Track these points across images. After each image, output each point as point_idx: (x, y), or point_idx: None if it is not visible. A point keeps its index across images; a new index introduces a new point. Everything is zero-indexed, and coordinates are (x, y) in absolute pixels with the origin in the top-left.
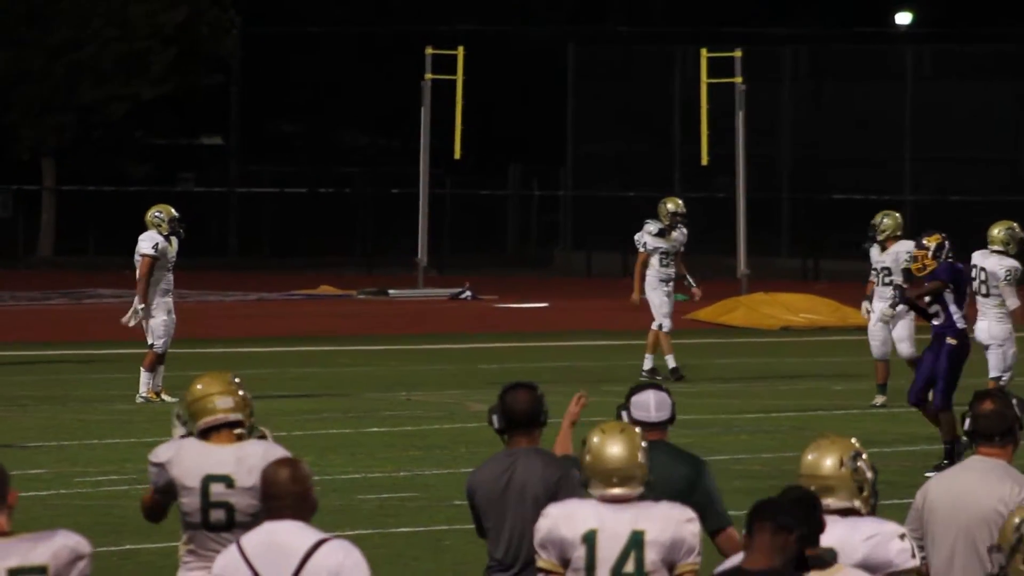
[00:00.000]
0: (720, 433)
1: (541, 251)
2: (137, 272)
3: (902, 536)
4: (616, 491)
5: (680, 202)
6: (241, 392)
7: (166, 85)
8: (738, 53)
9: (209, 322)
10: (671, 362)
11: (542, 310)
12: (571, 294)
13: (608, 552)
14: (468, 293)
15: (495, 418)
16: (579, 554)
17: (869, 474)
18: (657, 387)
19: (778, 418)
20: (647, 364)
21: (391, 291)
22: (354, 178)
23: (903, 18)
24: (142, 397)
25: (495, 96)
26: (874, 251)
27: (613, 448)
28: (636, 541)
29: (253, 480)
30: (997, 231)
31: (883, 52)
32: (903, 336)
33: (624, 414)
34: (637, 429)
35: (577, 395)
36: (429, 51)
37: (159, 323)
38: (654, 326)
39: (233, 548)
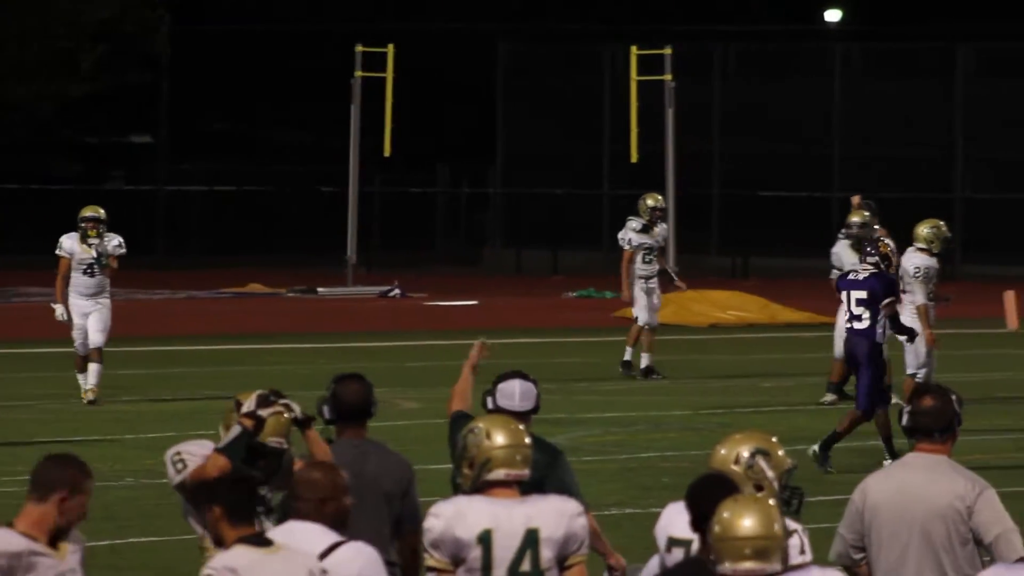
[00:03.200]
0: (648, 430)
1: (471, 249)
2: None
3: (791, 532)
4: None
5: (659, 197)
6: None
7: (95, 83)
8: (668, 51)
9: (138, 320)
10: (645, 360)
11: (471, 308)
12: (501, 292)
13: (504, 552)
14: (397, 291)
15: (325, 409)
16: (475, 554)
17: (769, 472)
18: (524, 376)
19: (706, 415)
20: (626, 355)
21: (320, 289)
22: (283, 176)
23: (832, 15)
24: (88, 392)
25: (425, 94)
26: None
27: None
28: (531, 539)
29: None
30: (922, 229)
31: (813, 49)
32: None
33: (489, 400)
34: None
35: (479, 342)
36: (359, 49)
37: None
38: (639, 322)
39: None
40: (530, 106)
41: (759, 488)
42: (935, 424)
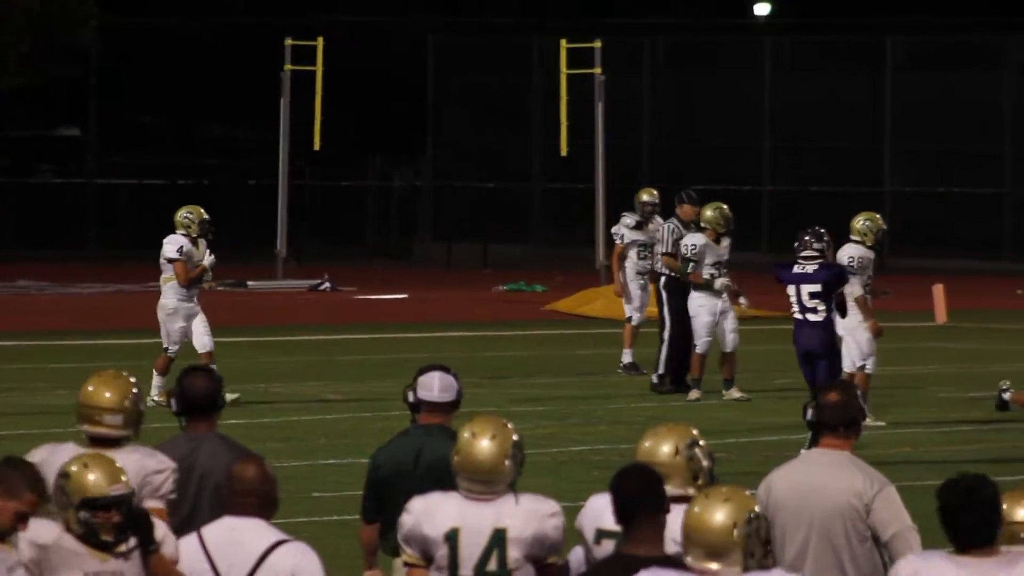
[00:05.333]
0: (579, 424)
1: (401, 242)
2: (166, 276)
3: None
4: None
5: (655, 192)
6: (134, 404)
7: (22, 77)
8: (598, 44)
9: (68, 314)
10: (627, 357)
11: (401, 301)
12: (431, 285)
13: (470, 551)
14: (327, 284)
15: (173, 401)
16: (442, 552)
17: (705, 462)
18: (445, 369)
19: (636, 408)
20: (627, 358)
21: (250, 283)
22: (213, 169)
23: (762, 9)
24: (154, 400)
25: (355, 87)
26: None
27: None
28: (498, 539)
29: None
30: (857, 222)
31: (743, 43)
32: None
33: (410, 393)
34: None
35: None
36: (288, 42)
37: (176, 329)
38: (632, 322)
39: (193, 537)
40: (460, 99)
41: (695, 478)
42: (840, 419)
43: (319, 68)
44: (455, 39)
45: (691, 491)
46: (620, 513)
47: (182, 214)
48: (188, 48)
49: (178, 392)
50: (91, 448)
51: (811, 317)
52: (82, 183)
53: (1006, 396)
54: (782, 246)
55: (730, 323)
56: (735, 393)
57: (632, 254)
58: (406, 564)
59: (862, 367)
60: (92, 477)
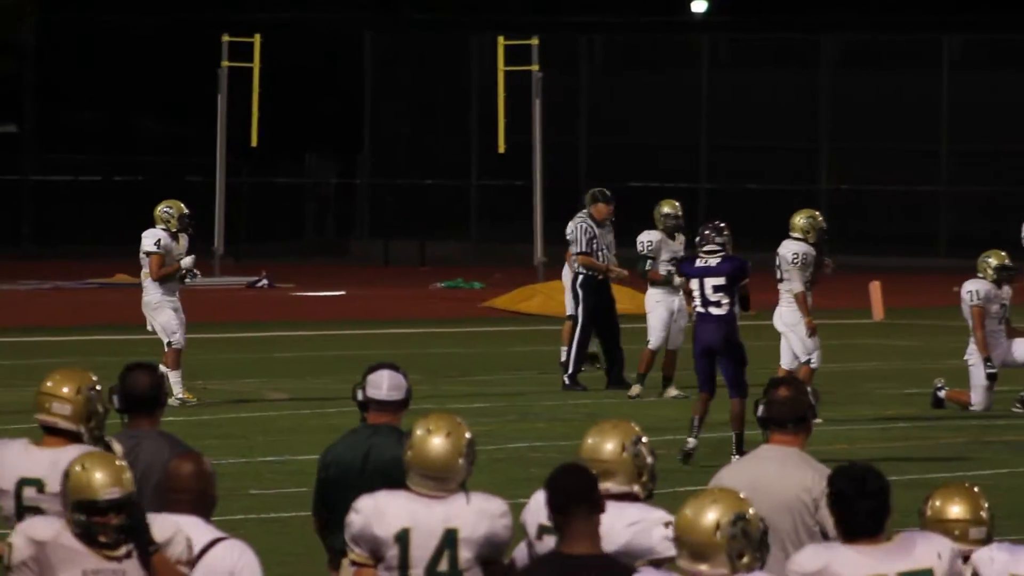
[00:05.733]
0: (516, 421)
1: (338, 239)
2: (147, 272)
3: (667, 524)
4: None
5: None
6: (87, 400)
7: None
8: (535, 41)
9: (3, 311)
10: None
11: (339, 298)
12: (368, 282)
13: (421, 551)
14: (265, 281)
15: (115, 398)
16: (392, 553)
17: (649, 459)
18: (394, 367)
19: (573, 405)
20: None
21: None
22: (150, 166)
23: (699, 6)
24: (178, 399)
25: (292, 84)
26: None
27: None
28: (450, 539)
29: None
30: (798, 219)
31: (680, 40)
32: None
33: (359, 392)
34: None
35: None
36: (225, 39)
37: (168, 319)
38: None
39: None
40: (397, 96)
41: (640, 475)
42: (789, 415)
43: (256, 65)
44: (392, 36)
45: (636, 488)
46: (555, 511)
47: (161, 208)
48: (125, 44)
49: (120, 389)
50: (45, 442)
51: (713, 311)
52: (17, 180)
53: (941, 394)
54: None
55: (681, 323)
56: (673, 391)
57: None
58: (354, 564)
59: (807, 362)
60: (89, 479)
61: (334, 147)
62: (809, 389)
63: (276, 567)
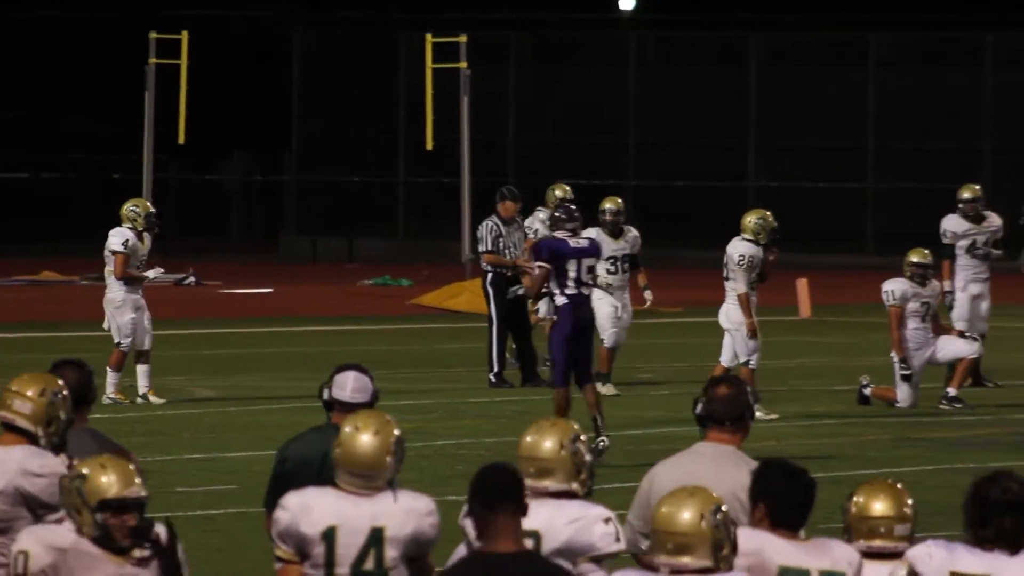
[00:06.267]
0: (444, 418)
1: (266, 237)
2: (111, 269)
3: (607, 520)
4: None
5: (567, 188)
6: (50, 404)
7: None
8: (463, 38)
9: None
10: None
11: (267, 295)
12: (296, 279)
13: (347, 550)
14: (192, 279)
15: None
16: (318, 551)
17: (587, 457)
18: (361, 369)
19: (501, 403)
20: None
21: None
22: (77, 164)
23: (627, 4)
24: (109, 398)
25: (221, 81)
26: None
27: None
28: (376, 538)
29: (2, 484)
30: (749, 219)
31: (608, 38)
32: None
33: (325, 391)
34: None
35: None
36: (153, 35)
37: (127, 321)
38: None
39: (68, 526)
40: (325, 93)
41: (579, 472)
42: (727, 413)
43: (184, 62)
44: (321, 32)
45: (574, 486)
46: (481, 509)
47: (128, 207)
48: (51, 41)
49: None
50: (5, 437)
51: (584, 291)
52: None
53: (867, 391)
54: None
55: (623, 321)
56: (607, 387)
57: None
58: (280, 560)
59: (746, 363)
60: (108, 479)
61: (262, 144)
62: (749, 389)
63: (203, 564)
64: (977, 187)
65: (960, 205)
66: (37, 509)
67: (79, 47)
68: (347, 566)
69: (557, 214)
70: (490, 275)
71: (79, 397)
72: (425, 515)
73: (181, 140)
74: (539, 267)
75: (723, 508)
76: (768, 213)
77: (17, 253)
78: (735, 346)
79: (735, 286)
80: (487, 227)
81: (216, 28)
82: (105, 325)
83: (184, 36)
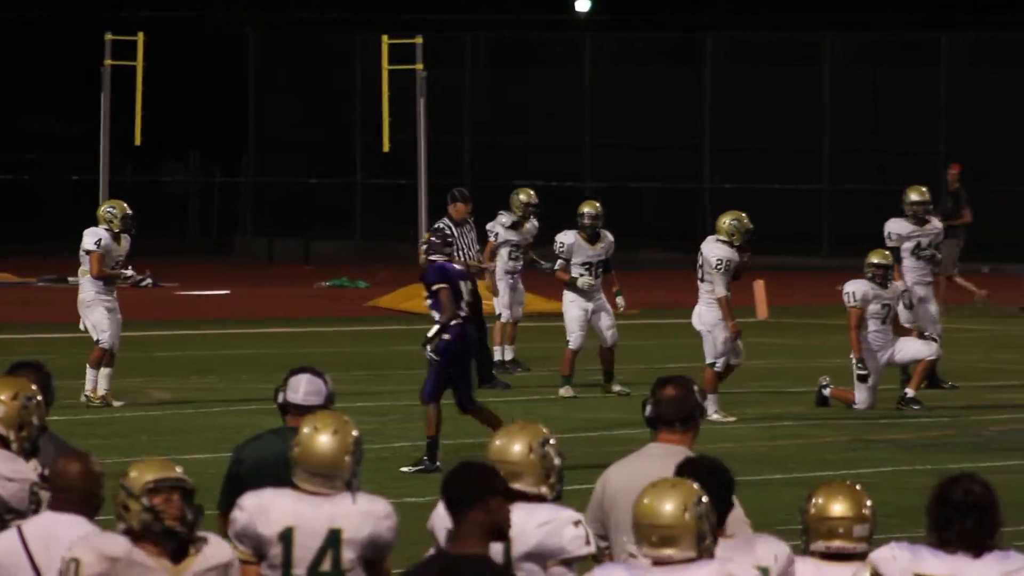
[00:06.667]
0: (400, 420)
1: (223, 238)
2: (84, 269)
3: (576, 523)
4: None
5: (532, 193)
6: (22, 408)
7: None
8: (419, 40)
9: None
10: (507, 353)
11: (223, 297)
12: (253, 281)
13: (305, 551)
14: (149, 280)
15: None
16: (275, 551)
17: (556, 460)
18: (315, 372)
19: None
20: (506, 355)
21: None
22: (32, 165)
23: (582, 5)
24: (85, 395)
25: (177, 82)
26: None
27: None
28: (333, 540)
29: None
30: (724, 221)
31: (563, 39)
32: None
33: (280, 394)
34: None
35: None
36: (108, 37)
37: (100, 318)
38: (502, 319)
39: (13, 532)
40: (281, 95)
41: (548, 476)
42: (676, 414)
43: (139, 63)
44: (276, 34)
45: (543, 489)
46: (448, 511)
47: (105, 208)
48: (6, 42)
49: None
50: None
51: (463, 313)
52: None
53: (826, 392)
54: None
55: (605, 320)
56: (615, 387)
57: (503, 253)
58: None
59: (712, 364)
60: (148, 467)
61: (218, 145)
62: (696, 388)
63: None
64: (924, 189)
65: (907, 207)
66: (4, 514)
67: (33, 48)
68: (304, 567)
69: (433, 239)
70: None
71: None
72: (383, 518)
73: (137, 142)
74: (440, 289)
75: (704, 499)
76: (743, 215)
77: None
78: (705, 347)
79: (713, 289)
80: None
81: (172, 29)
82: (81, 326)
83: (140, 37)
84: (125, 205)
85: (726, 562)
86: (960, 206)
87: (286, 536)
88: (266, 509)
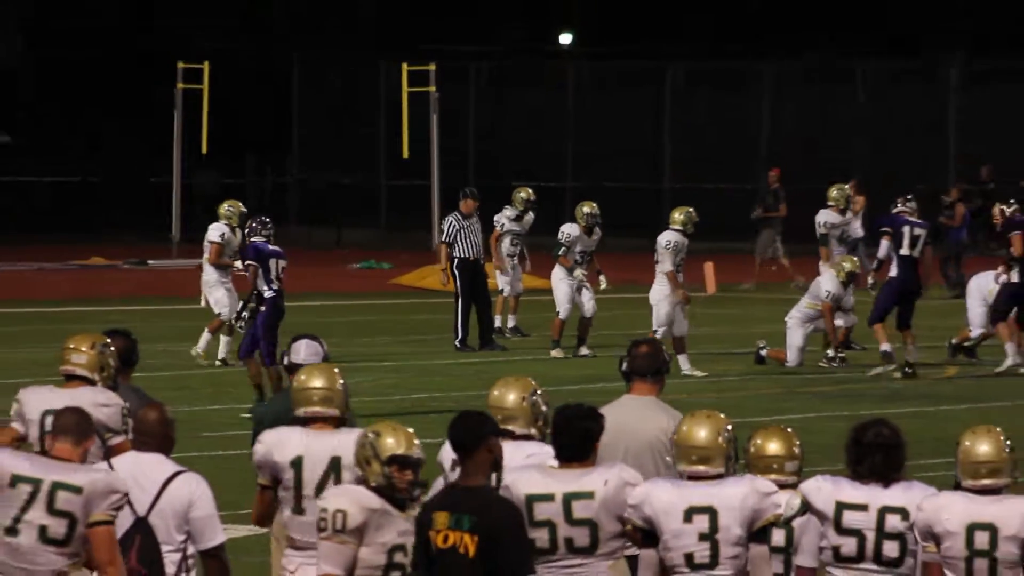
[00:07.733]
0: (418, 375)
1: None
2: (207, 256)
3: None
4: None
5: (531, 191)
6: (100, 354)
7: None
8: (432, 67)
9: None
10: (512, 321)
11: None
12: (295, 263)
13: (312, 475)
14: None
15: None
16: (288, 476)
17: (544, 407)
18: (313, 337)
19: (464, 364)
20: (508, 323)
21: (150, 261)
22: (120, 170)
23: (565, 39)
24: (197, 352)
25: (234, 100)
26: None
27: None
28: (335, 466)
29: None
30: (677, 214)
31: (551, 65)
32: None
33: (285, 358)
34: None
35: None
36: (180, 65)
37: (220, 296)
38: (504, 294)
39: (104, 467)
40: (321, 110)
41: (537, 420)
42: (648, 368)
43: (205, 86)
44: (316, 61)
45: (533, 431)
46: (456, 450)
47: (225, 207)
48: (99, 73)
49: None
50: (66, 386)
51: (278, 287)
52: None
53: (763, 352)
54: None
55: (587, 294)
56: (583, 350)
57: (506, 240)
58: (260, 486)
59: (655, 331)
60: (396, 439)
61: (269, 150)
62: (663, 347)
63: (223, 494)
64: (845, 186)
65: (831, 202)
66: (104, 433)
67: (121, 77)
68: (312, 489)
69: (254, 224)
70: (456, 260)
71: (125, 360)
72: None
73: (204, 150)
74: (248, 265)
75: (730, 427)
76: (691, 209)
77: (71, 242)
78: (652, 316)
79: (663, 266)
80: (448, 222)
81: (232, 58)
82: (202, 302)
83: (206, 66)
84: (240, 204)
85: (754, 479)
86: (779, 201)
87: (296, 463)
88: (280, 442)
